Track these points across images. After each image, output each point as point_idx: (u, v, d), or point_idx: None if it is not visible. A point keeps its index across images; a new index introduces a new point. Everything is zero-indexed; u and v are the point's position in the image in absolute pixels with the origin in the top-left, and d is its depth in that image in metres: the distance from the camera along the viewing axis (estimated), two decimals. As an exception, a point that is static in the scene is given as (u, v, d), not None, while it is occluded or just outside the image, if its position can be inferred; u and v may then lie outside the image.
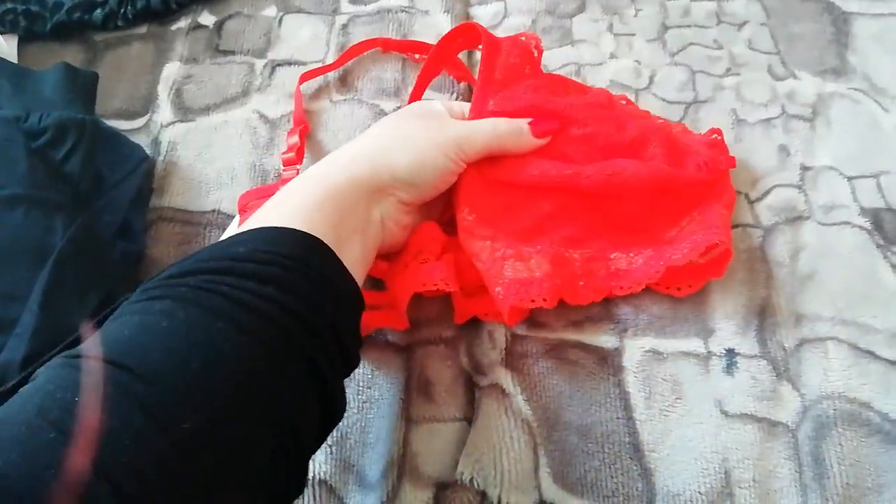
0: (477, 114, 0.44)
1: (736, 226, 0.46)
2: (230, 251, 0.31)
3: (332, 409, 0.33)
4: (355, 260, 0.35)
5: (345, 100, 0.54)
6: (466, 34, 0.48)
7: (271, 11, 0.60)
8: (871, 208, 0.46)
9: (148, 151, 0.51)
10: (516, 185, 0.43)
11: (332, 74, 0.55)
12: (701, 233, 0.42)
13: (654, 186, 0.43)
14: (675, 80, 0.53)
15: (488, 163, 0.43)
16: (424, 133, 0.41)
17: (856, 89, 0.51)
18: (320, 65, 0.56)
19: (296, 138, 0.49)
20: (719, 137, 0.48)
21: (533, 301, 0.39)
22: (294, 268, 0.31)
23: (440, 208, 0.46)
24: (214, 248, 0.32)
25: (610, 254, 0.43)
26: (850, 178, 0.47)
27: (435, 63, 0.50)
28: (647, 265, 0.42)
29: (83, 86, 0.47)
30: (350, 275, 0.34)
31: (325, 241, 0.33)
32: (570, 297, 0.41)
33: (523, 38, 0.47)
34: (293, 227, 0.33)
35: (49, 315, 0.39)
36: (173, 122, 0.54)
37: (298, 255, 0.32)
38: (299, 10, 0.60)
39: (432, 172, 0.40)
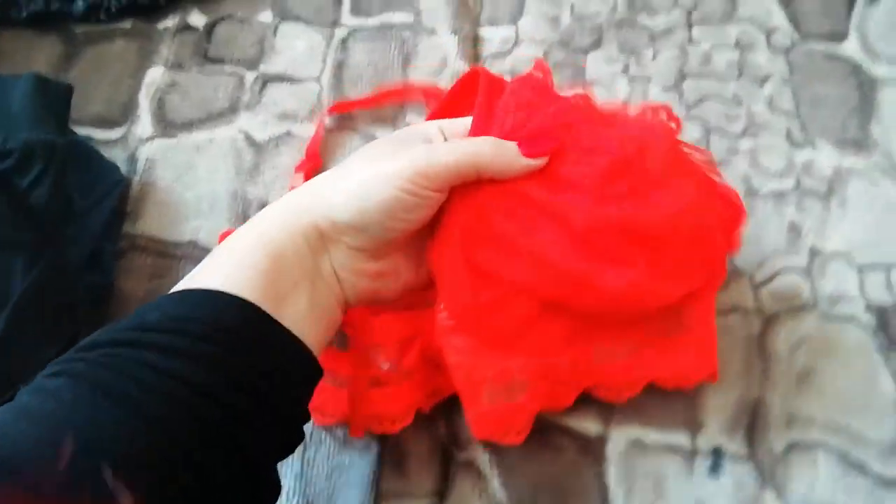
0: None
1: (737, 309, 0.44)
2: (142, 318, 0.29)
3: (259, 494, 0.29)
4: (301, 315, 0.31)
5: (338, 127, 0.51)
6: (474, 84, 0.44)
7: (267, 17, 0.56)
8: (877, 305, 0.44)
9: (124, 168, 0.48)
10: (502, 280, 0.36)
11: (326, 99, 0.52)
12: (683, 354, 0.40)
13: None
14: (688, 137, 0.50)
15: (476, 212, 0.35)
16: (370, 165, 0.34)
17: (875, 166, 0.49)
18: (314, 82, 0.53)
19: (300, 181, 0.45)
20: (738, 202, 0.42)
21: (506, 435, 0.37)
22: (208, 336, 0.28)
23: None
24: (132, 315, 0.29)
25: (596, 358, 0.39)
26: (860, 268, 0.45)
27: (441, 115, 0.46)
28: (630, 375, 0.40)
29: (56, 100, 0.43)
30: (290, 336, 0.30)
31: (261, 301, 0.30)
32: (551, 404, 0.39)
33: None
34: (223, 287, 0.29)
35: (2, 366, 0.36)
36: (153, 137, 0.50)
37: (217, 320, 0.28)
38: (297, 19, 0.56)
39: (380, 210, 0.32)
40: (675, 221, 0.35)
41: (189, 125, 0.51)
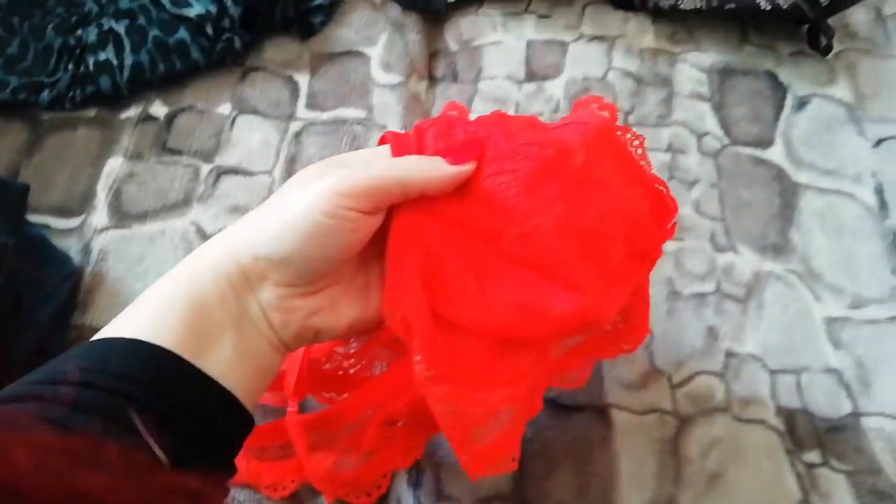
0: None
1: (655, 410, 0.47)
2: (54, 371, 0.28)
3: None
4: (226, 362, 0.30)
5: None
6: None
7: (225, 109, 0.59)
8: (787, 408, 0.47)
9: (77, 258, 0.50)
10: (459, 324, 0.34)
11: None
12: (623, 329, 0.40)
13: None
14: (618, 238, 0.53)
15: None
16: (293, 193, 0.31)
17: (792, 271, 0.52)
18: (266, 176, 0.55)
19: None
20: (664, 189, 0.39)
21: (501, 467, 0.37)
22: (117, 388, 0.27)
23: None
24: (45, 366, 0.29)
25: (554, 356, 0.39)
26: (772, 372, 0.48)
27: None
28: (581, 362, 0.41)
29: (12, 200, 0.46)
30: (213, 384, 0.29)
31: (181, 348, 0.28)
32: (530, 416, 0.38)
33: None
34: (142, 334, 0.28)
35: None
36: (108, 228, 0.52)
37: (129, 371, 0.27)
38: (254, 112, 0.59)
39: (301, 239, 0.30)
40: (610, 217, 0.34)
41: (143, 216, 0.53)
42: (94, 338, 0.29)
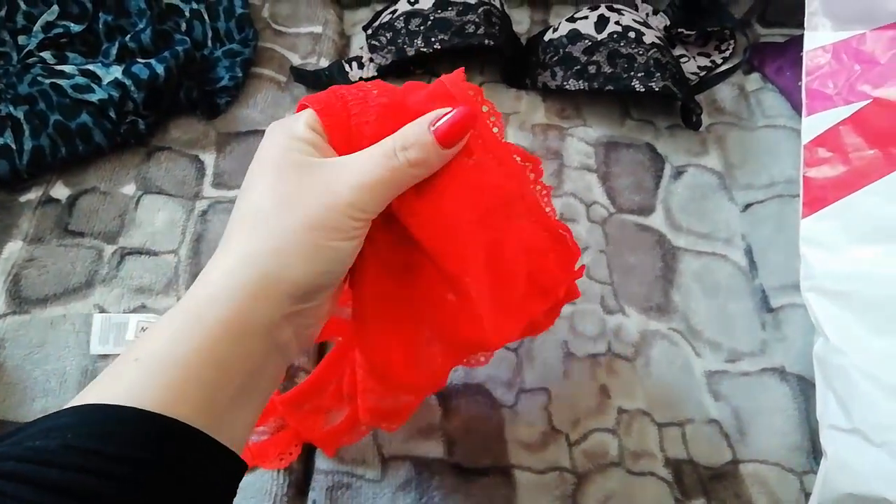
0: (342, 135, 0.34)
1: (555, 468, 0.49)
2: (43, 445, 0.24)
3: None
4: (244, 428, 0.29)
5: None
6: None
7: (130, 189, 0.59)
8: (674, 459, 0.50)
9: (-28, 347, 0.49)
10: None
11: (183, 271, 0.55)
12: None
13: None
14: (516, 304, 0.56)
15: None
16: (312, 216, 0.30)
17: (675, 330, 0.56)
18: (172, 255, 0.56)
19: None
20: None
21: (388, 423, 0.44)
22: (116, 475, 0.24)
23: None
24: (26, 435, 0.25)
25: None
26: (659, 425, 0.52)
27: None
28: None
29: None
30: (223, 455, 0.27)
31: (194, 416, 0.26)
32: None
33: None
34: (142, 401, 0.25)
35: None
36: (6, 315, 0.52)
37: (131, 452, 0.24)
38: (159, 192, 0.59)
39: (335, 268, 0.31)
40: (518, 254, 0.36)
41: (44, 301, 0.53)
42: (86, 398, 0.26)
